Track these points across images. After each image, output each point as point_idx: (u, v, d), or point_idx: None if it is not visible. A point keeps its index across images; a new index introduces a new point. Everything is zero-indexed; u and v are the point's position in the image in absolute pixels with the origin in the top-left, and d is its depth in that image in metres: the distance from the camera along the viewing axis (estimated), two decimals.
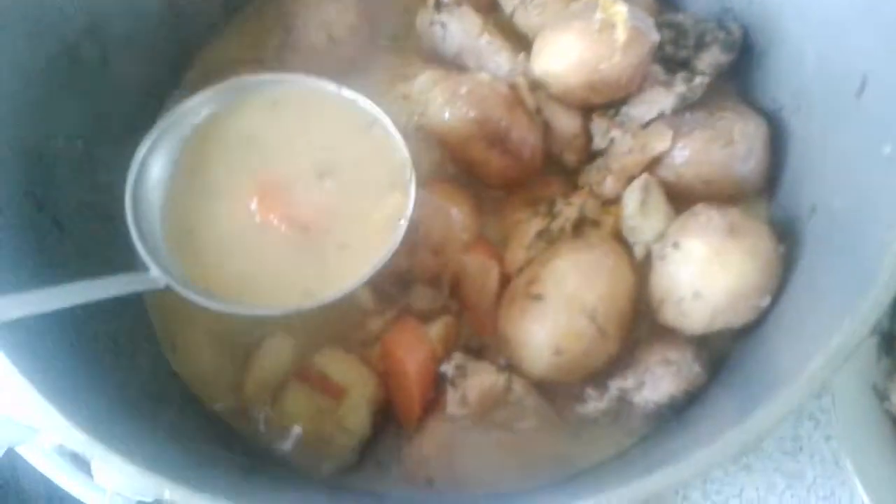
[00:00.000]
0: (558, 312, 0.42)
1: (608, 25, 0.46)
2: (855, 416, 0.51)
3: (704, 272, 0.42)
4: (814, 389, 0.34)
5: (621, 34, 0.45)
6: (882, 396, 0.51)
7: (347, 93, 0.43)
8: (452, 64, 0.53)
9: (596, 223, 0.47)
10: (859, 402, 0.51)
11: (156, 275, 0.40)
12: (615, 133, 0.49)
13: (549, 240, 0.46)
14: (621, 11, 0.45)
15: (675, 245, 0.44)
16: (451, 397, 0.43)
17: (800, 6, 0.46)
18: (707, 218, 0.44)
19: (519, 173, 0.48)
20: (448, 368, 0.43)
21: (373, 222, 0.42)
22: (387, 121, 0.43)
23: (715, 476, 0.54)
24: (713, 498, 0.54)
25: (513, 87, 0.48)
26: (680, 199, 0.47)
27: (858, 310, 0.34)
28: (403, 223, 0.41)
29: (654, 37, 0.47)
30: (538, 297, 0.43)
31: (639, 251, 0.46)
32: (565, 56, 0.47)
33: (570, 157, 0.50)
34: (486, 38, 0.51)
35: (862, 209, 0.40)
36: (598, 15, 0.46)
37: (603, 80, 0.47)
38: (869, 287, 0.35)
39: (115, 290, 0.39)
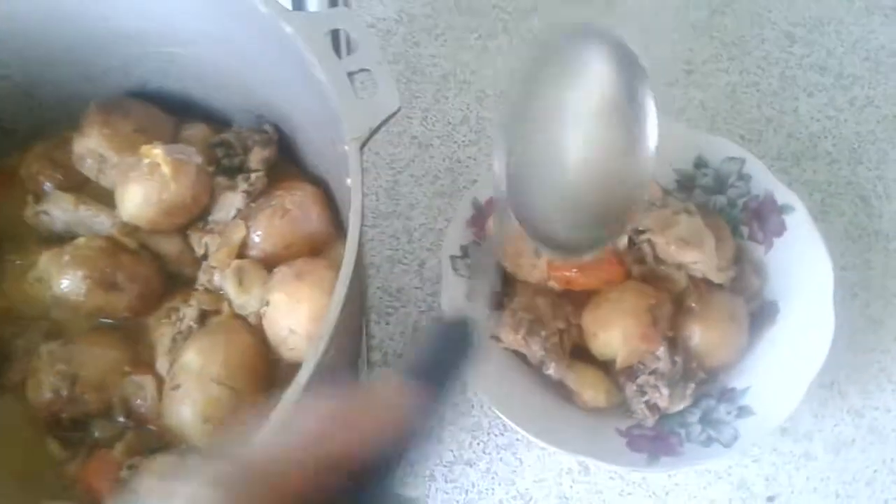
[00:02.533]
0: (193, 391, 0.53)
1: (154, 165, 0.58)
2: (482, 363, 0.64)
3: (289, 312, 0.55)
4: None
5: (166, 168, 0.58)
6: (498, 340, 0.65)
7: None
8: (71, 236, 0.63)
9: (217, 312, 0.58)
10: (485, 351, 0.65)
11: None
12: (207, 239, 0.61)
13: (184, 339, 0.57)
14: (158, 153, 0.58)
15: (267, 303, 0.56)
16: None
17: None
18: (281, 273, 0.56)
19: (145, 301, 0.59)
20: (123, 473, 0.52)
21: None
22: None
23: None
24: (422, 474, 0.65)
25: (109, 238, 0.58)
26: (277, 265, 0.59)
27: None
28: None
29: (197, 159, 0.60)
30: (176, 387, 0.53)
31: (253, 319, 0.57)
32: (134, 200, 0.59)
33: (187, 271, 0.61)
34: (83, 208, 0.62)
35: None
36: (144, 161, 0.58)
37: (172, 205, 0.59)
38: None
39: None
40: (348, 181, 0.48)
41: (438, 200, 0.77)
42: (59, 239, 0.62)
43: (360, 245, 0.47)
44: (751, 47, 0.84)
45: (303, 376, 0.40)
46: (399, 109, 0.49)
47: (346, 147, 0.47)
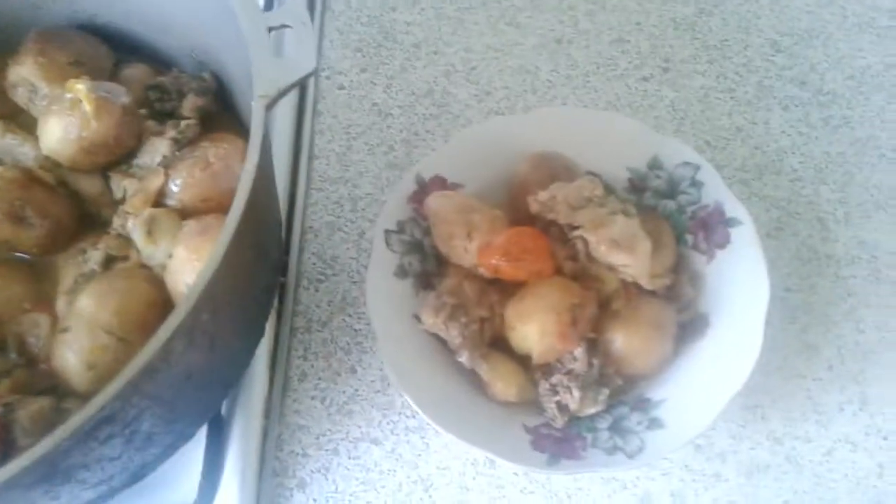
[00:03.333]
0: (81, 336, 0.51)
1: (76, 101, 0.56)
2: (401, 343, 0.62)
3: (188, 268, 0.53)
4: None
5: (87, 105, 0.56)
6: (420, 321, 0.63)
7: None
8: None
9: (125, 258, 0.57)
10: (404, 332, 0.63)
11: None
12: (126, 182, 0.59)
13: (86, 281, 0.56)
14: (81, 88, 0.56)
15: (171, 256, 0.54)
16: (16, 431, 0.51)
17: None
18: (188, 227, 0.55)
19: (55, 239, 0.58)
20: None
21: None
22: None
23: (324, 428, 0.65)
24: (326, 447, 0.64)
25: (25, 171, 0.57)
26: (194, 218, 0.58)
27: None
28: None
29: (123, 100, 0.58)
30: (65, 330, 0.52)
31: (158, 271, 0.56)
32: (53, 134, 0.57)
33: (104, 212, 0.60)
34: (9, 136, 0.60)
35: None
36: (67, 95, 0.57)
37: (93, 144, 0.57)
38: None
39: None
40: (250, 136, 0.46)
41: (389, 172, 0.76)
42: None
43: (256, 204, 0.46)
44: (732, 52, 0.81)
45: (160, 337, 0.39)
46: (313, 72, 0.47)
47: (253, 103, 0.45)
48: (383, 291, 0.64)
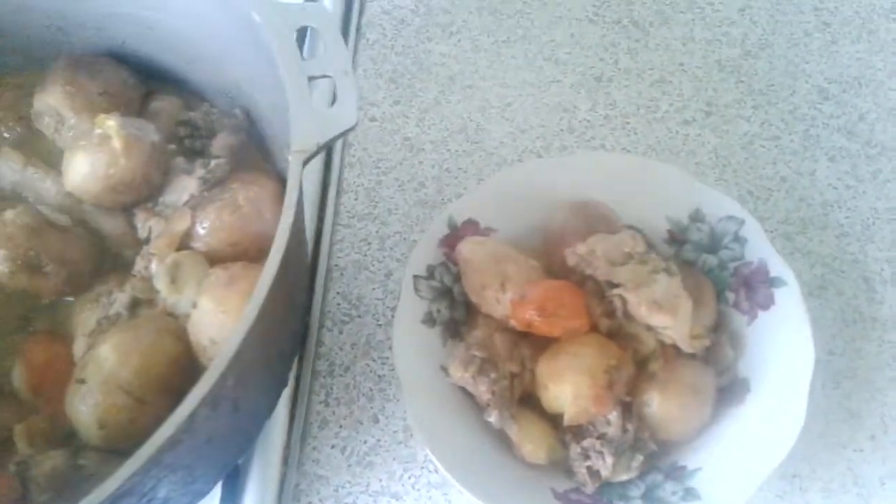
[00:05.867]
0: (96, 393, 0.49)
1: (105, 137, 0.55)
2: (428, 395, 0.60)
3: (213, 321, 0.51)
4: None
5: (117, 142, 0.54)
6: (447, 373, 0.61)
7: None
8: (17, 196, 0.60)
9: (150, 302, 0.55)
10: (431, 383, 0.61)
11: None
12: (152, 222, 0.57)
13: (110, 325, 0.54)
14: (112, 124, 0.54)
15: (195, 305, 0.52)
16: (31, 487, 0.49)
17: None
18: (215, 276, 0.53)
19: (72, 284, 0.56)
20: (12, 467, 0.49)
21: None
22: None
23: (343, 480, 0.63)
24: (345, 500, 0.62)
25: (38, 216, 0.55)
26: (220, 262, 0.56)
27: None
28: None
29: (153, 137, 0.56)
30: (82, 382, 0.50)
31: (183, 321, 0.54)
32: (80, 171, 0.55)
33: (127, 253, 0.58)
34: (30, 170, 0.58)
35: None
36: (96, 130, 0.55)
37: (120, 182, 0.56)
38: None
39: None
40: (286, 193, 0.44)
41: (419, 210, 0.73)
42: (4, 198, 0.59)
43: (291, 263, 0.44)
44: (778, 98, 0.78)
45: (183, 412, 0.37)
46: (354, 127, 0.45)
47: (289, 157, 0.43)
48: (410, 340, 0.62)
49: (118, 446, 0.51)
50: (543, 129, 0.77)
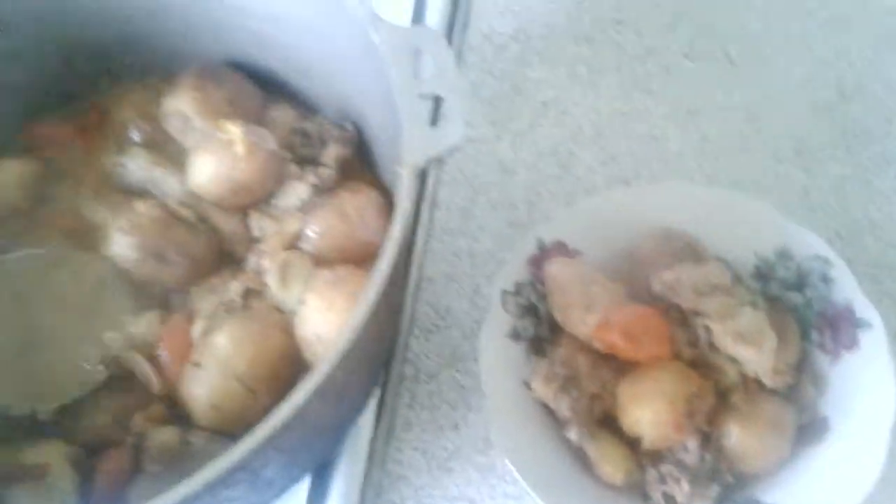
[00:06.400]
0: (212, 377, 0.53)
1: (229, 143, 0.59)
2: (510, 408, 0.63)
3: (319, 318, 0.55)
4: None
5: (240, 148, 0.58)
6: (529, 388, 0.63)
7: None
8: (144, 192, 0.65)
9: (260, 294, 0.59)
10: (513, 396, 0.63)
11: None
12: (265, 223, 0.61)
13: (225, 311, 0.58)
14: (236, 131, 0.58)
15: (302, 302, 0.56)
16: (144, 459, 0.53)
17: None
18: (322, 276, 0.56)
19: (192, 275, 0.60)
20: (130, 439, 0.53)
21: None
22: None
23: (424, 482, 0.65)
24: (425, 501, 0.65)
25: (166, 208, 0.60)
26: (325, 265, 0.59)
27: None
28: None
29: (271, 145, 0.60)
30: (198, 365, 0.54)
31: (290, 317, 0.57)
32: (204, 172, 0.60)
33: (239, 250, 0.62)
34: (158, 169, 0.63)
35: None
36: (222, 135, 0.59)
37: (239, 184, 0.60)
38: None
39: None
40: (397, 204, 0.47)
41: (509, 230, 0.76)
42: (132, 192, 0.64)
43: (397, 271, 0.47)
44: (872, 141, 0.78)
45: (295, 402, 0.40)
46: (461, 144, 0.48)
47: (402, 171, 0.46)
48: (496, 353, 0.64)
49: (224, 429, 0.54)
50: (633, 158, 0.79)
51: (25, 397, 0.54)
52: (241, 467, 0.42)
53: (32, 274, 0.59)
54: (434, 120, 0.52)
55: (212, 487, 0.41)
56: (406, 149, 0.48)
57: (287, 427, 0.41)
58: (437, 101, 0.52)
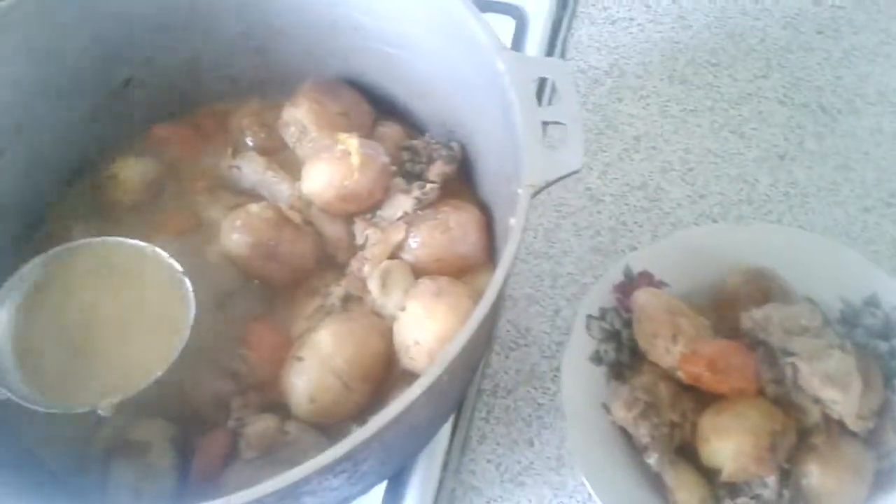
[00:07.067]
0: (312, 371, 0.56)
1: (346, 153, 0.62)
2: (587, 428, 0.64)
3: (420, 325, 0.57)
4: None
5: (355, 159, 0.62)
6: (608, 411, 0.65)
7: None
8: (254, 194, 0.69)
9: (360, 299, 0.62)
10: (591, 418, 0.65)
11: None
12: (370, 231, 0.64)
13: (325, 313, 0.61)
14: (353, 143, 0.62)
15: (403, 308, 0.59)
16: (241, 444, 0.56)
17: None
18: (424, 286, 0.59)
19: (296, 275, 0.63)
20: (230, 423, 0.57)
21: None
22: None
23: (496, 493, 0.67)
24: None
25: (278, 211, 0.63)
26: (422, 274, 0.62)
27: None
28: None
29: (384, 159, 0.64)
30: (300, 359, 0.57)
31: (388, 322, 0.60)
32: (319, 179, 0.63)
33: (341, 255, 0.65)
34: (270, 174, 0.67)
35: None
36: (339, 146, 0.63)
37: (350, 193, 0.63)
38: None
39: None
40: (512, 221, 0.49)
41: (592, 256, 0.78)
42: (243, 193, 0.68)
43: (504, 287, 0.49)
44: None
45: (409, 396, 0.42)
46: (579, 170, 0.50)
47: (520, 190, 0.49)
48: (577, 374, 0.66)
49: (319, 421, 0.57)
50: (722, 198, 0.80)
51: (86, 395, 0.55)
52: (350, 455, 0.44)
53: (96, 264, 0.60)
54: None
55: (324, 472, 0.43)
56: (526, 170, 0.50)
57: (396, 421, 0.44)
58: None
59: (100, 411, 0.54)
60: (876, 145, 0.83)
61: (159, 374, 0.55)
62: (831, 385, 0.59)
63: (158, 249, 0.59)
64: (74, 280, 0.58)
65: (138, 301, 0.58)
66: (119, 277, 0.58)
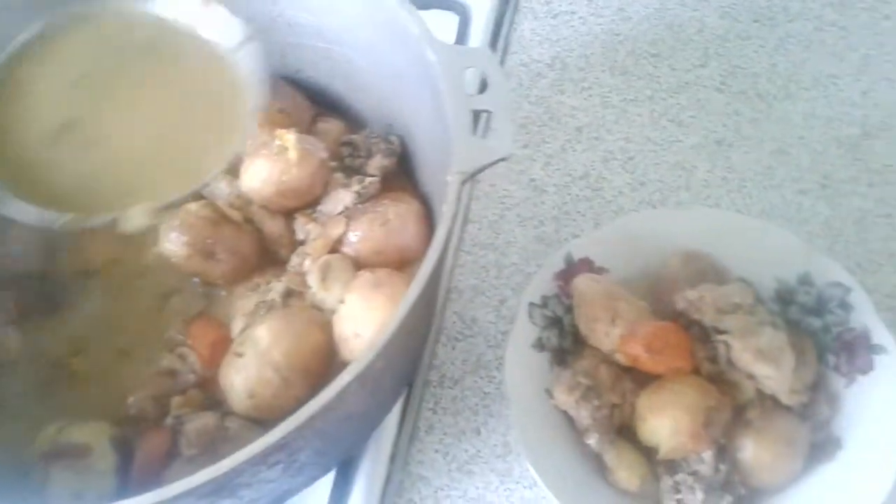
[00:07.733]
0: (250, 366, 0.57)
1: (283, 149, 0.63)
2: (531, 414, 0.65)
3: (359, 316, 0.58)
4: None
5: (293, 154, 0.62)
6: (551, 396, 0.66)
7: None
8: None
9: (301, 295, 0.62)
10: (535, 404, 0.66)
11: None
12: (310, 226, 0.65)
13: (266, 309, 0.61)
14: (290, 139, 0.62)
15: (342, 301, 0.59)
16: (182, 442, 0.57)
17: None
18: (363, 278, 0.60)
19: (236, 272, 0.64)
20: (169, 421, 0.57)
21: None
22: None
23: (443, 483, 0.68)
24: (443, 502, 0.67)
25: (216, 209, 0.63)
26: (364, 268, 0.63)
27: None
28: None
29: (322, 154, 0.64)
30: (239, 355, 0.58)
31: (327, 315, 0.61)
32: (257, 175, 0.64)
33: (282, 251, 0.66)
34: None
35: None
36: (276, 142, 0.63)
37: (289, 188, 0.64)
38: None
39: None
40: (444, 207, 0.50)
41: (536, 245, 0.79)
42: None
43: (437, 272, 0.50)
44: (894, 178, 0.81)
45: (340, 383, 0.43)
46: (508, 157, 0.51)
47: (449, 178, 0.50)
48: (520, 361, 0.67)
49: (258, 416, 0.58)
50: (661, 185, 0.82)
51: (105, 201, 0.46)
52: (284, 445, 0.45)
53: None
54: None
55: (256, 463, 0.44)
56: (456, 158, 0.51)
57: (329, 408, 0.45)
58: (477, 118, 0.56)
59: (125, 224, 0.45)
60: (810, 129, 0.85)
61: (216, 171, 0.48)
62: (763, 360, 0.60)
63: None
64: (77, 55, 0.48)
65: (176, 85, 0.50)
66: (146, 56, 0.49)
